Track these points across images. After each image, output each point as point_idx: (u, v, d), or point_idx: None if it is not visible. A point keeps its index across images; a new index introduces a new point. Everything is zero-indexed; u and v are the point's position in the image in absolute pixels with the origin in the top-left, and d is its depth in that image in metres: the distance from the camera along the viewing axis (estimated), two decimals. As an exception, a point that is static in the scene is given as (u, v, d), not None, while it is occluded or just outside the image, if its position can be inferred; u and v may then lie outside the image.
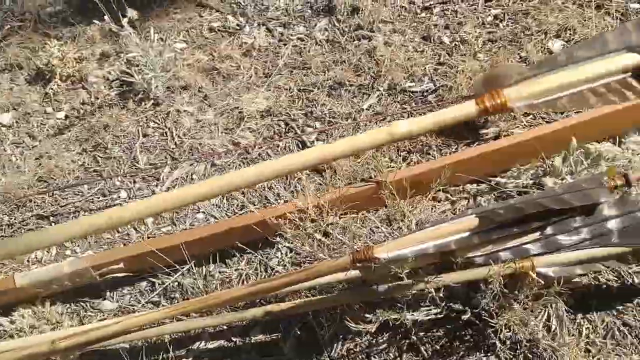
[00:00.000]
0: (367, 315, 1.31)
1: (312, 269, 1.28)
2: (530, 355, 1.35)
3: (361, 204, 1.59)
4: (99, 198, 1.88)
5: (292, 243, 1.46)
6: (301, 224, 1.39)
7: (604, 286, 1.43)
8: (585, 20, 2.00)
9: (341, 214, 1.51)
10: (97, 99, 2.14)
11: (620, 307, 1.40)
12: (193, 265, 1.60)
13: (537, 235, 1.30)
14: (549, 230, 1.29)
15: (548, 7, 2.08)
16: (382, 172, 1.57)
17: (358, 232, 1.51)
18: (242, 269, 1.62)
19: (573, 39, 1.95)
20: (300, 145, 1.88)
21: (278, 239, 1.55)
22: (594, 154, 1.53)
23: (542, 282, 1.28)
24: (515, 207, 1.30)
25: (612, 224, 1.27)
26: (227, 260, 1.64)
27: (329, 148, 1.15)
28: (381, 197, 1.55)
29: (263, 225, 1.52)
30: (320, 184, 1.74)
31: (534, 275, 1.28)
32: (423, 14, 2.20)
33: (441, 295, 1.28)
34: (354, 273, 1.34)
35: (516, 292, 1.34)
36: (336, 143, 1.14)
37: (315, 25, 2.25)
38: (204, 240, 1.59)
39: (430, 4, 2.21)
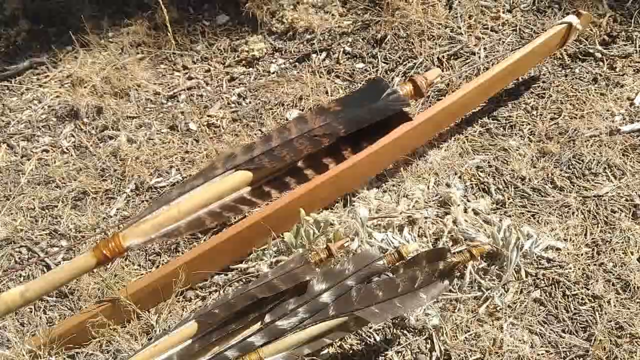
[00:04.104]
0: None
1: None
2: None
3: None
4: None
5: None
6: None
7: (350, 352, 1.44)
8: (317, 86, 2.11)
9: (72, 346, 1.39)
10: None
11: (366, 370, 1.42)
12: None
13: (258, 326, 1.28)
14: (267, 318, 1.28)
15: (285, 78, 2.17)
16: (113, 289, 1.48)
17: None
18: None
19: (307, 105, 2.04)
20: (45, 270, 1.74)
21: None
22: (322, 222, 1.57)
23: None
24: (229, 304, 1.28)
25: (325, 298, 1.29)
26: None
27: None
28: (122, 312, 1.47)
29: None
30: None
31: (263, 368, 1.26)
32: (169, 103, 2.19)
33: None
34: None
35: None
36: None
37: (61, 132, 2.15)
38: None
39: (175, 92, 2.21)
